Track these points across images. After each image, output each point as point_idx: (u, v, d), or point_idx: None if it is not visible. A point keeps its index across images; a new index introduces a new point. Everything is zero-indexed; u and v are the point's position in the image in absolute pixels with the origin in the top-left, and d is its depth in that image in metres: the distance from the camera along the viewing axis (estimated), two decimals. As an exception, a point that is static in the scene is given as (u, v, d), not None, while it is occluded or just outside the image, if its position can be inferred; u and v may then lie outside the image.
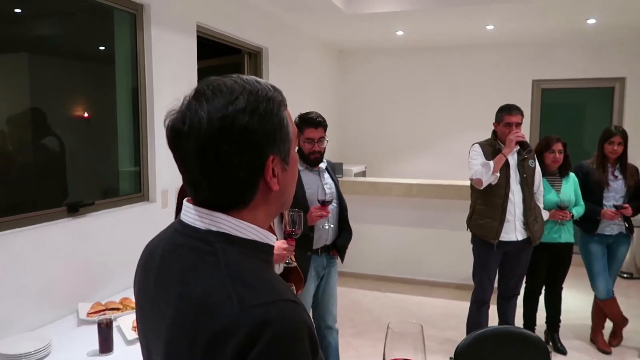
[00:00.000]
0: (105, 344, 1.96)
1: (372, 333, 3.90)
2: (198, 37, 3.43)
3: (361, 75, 6.57)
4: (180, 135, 0.76)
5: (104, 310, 2.25)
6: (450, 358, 1.93)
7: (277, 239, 1.99)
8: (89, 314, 2.26)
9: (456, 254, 4.69)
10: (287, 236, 1.97)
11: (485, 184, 3.05)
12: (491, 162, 3.04)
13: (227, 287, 0.70)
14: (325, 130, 2.70)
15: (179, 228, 0.82)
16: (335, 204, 2.79)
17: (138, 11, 2.86)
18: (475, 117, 5.94)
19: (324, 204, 2.54)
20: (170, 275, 0.78)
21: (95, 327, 2.01)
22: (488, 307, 3.34)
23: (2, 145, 2.41)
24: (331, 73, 6.32)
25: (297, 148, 0.89)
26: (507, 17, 4.65)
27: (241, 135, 0.74)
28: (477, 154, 3.15)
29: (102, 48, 3.01)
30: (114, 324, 2.04)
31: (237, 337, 0.65)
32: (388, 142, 6.50)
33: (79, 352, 1.96)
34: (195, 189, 0.79)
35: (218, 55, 4.39)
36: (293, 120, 0.86)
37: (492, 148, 3.14)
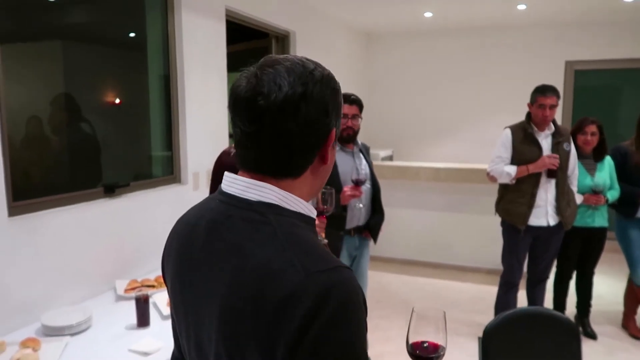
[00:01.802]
0: (143, 319, 2.04)
1: (399, 316, 3.92)
2: (226, 21, 3.46)
3: (389, 58, 6.51)
4: (251, 100, 0.78)
5: (140, 286, 2.34)
6: (479, 338, 1.94)
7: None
8: (126, 290, 2.36)
9: (485, 238, 4.65)
10: (318, 213, 2.00)
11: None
12: (513, 171, 3.04)
13: (288, 254, 0.72)
14: (360, 109, 2.76)
15: (224, 200, 0.83)
16: (368, 185, 2.82)
17: (168, -4, 2.91)
18: (506, 99, 5.83)
19: (357, 184, 2.57)
20: (222, 245, 0.80)
21: (132, 303, 2.10)
22: (517, 291, 3.31)
23: (41, 129, 2.51)
24: (358, 57, 6.28)
25: None
26: (540, -4, 4.53)
27: (319, 102, 0.80)
28: (503, 146, 3.14)
29: (134, 34, 3.07)
30: (150, 300, 2.12)
31: (305, 302, 0.67)
32: (416, 126, 6.45)
33: (118, 325, 2.05)
34: (256, 155, 0.81)
35: (246, 39, 4.42)
36: None
37: (523, 133, 3.09)
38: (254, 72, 0.81)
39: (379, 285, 4.59)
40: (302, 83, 0.79)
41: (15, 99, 2.34)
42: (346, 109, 2.70)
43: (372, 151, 5.46)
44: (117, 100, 3.02)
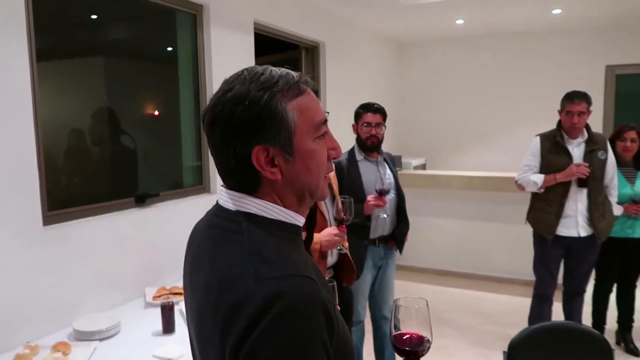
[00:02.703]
0: (168, 325, 2.09)
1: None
2: (256, 34, 3.53)
3: (420, 66, 6.47)
4: (203, 121, 0.85)
5: (167, 294, 2.40)
6: (504, 352, 1.89)
7: (330, 226, 2.03)
8: (154, 297, 2.42)
9: (521, 248, 4.49)
10: (338, 223, 2.01)
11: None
12: (540, 180, 2.98)
13: (246, 262, 0.74)
14: (383, 118, 2.77)
15: (214, 210, 0.88)
16: (393, 195, 2.81)
17: (198, 12, 3.00)
18: (541, 106, 5.65)
19: (381, 193, 2.57)
20: (204, 252, 0.84)
21: (159, 310, 2.15)
22: (551, 304, 3.20)
23: (81, 141, 2.64)
24: (390, 65, 6.26)
25: (314, 137, 0.85)
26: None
27: (226, 125, 0.79)
28: (531, 155, 3.08)
29: (166, 49, 3.18)
30: (176, 307, 2.17)
31: (250, 307, 0.69)
32: (449, 135, 6.36)
33: (145, 331, 2.11)
34: (219, 174, 0.86)
35: (276, 51, 4.49)
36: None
37: (550, 142, 3.02)
38: None
39: (411, 296, 4.53)
40: (214, 106, 0.81)
41: (60, 113, 2.49)
42: (369, 117, 2.71)
43: (404, 160, 5.45)
44: (152, 113, 3.14)
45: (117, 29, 2.98)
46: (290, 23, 3.93)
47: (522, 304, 4.17)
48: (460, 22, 5.24)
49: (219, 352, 0.73)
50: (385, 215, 2.74)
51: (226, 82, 0.82)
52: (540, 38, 5.75)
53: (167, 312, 2.09)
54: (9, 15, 1.93)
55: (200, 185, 3.11)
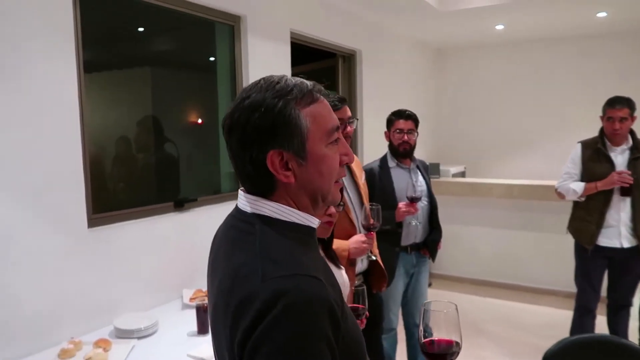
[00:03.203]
0: (202, 326, 2.16)
1: (466, 337, 3.77)
2: (293, 43, 3.61)
3: (460, 73, 6.39)
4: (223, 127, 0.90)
5: (203, 296, 2.47)
6: (539, 364, 1.84)
7: (359, 232, 2.05)
8: (191, 299, 2.50)
9: (563, 259, 4.32)
10: (366, 230, 2.02)
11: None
12: (580, 189, 2.91)
13: (256, 262, 0.78)
14: (415, 124, 2.78)
15: (234, 212, 0.93)
16: (425, 202, 2.80)
17: (236, 23, 3.10)
18: (585, 113, 5.44)
19: (412, 200, 2.57)
20: (221, 251, 0.90)
21: (195, 311, 2.22)
22: (594, 317, 3.09)
23: (128, 148, 2.78)
24: (428, 72, 6.22)
25: (325, 143, 0.88)
26: (622, 1, 4.25)
27: (242, 131, 0.83)
28: (572, 162, 3.00)
29: (205, 59, 3.30)
30: (211, 309, 2.24)
31: (256, 304, 0.72)
32: (489, 142, 6.24)
33: (181, 331, 2.19)
34: (237, 178, 0.91)
35: (313, 60, 4.56)
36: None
37: (591, 150, 2.93)
38: None
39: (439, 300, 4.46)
40: (232, 113, 0.85)
41: (106, 122, 2.63)
42: (401, 124, 2.73)
43: (442, 167, 5.39)
44: (193, 121, 3.26)
45: (162, 40, 3.12)
46: (327, 32, 3.98)
47: (564, 316, 4.02)
48: (500, 27, 5.15)
49: (229, 346, 0.77)
50: (416, 223, 2.73)
51: (244, 91, 0.86)
52: (584, 42, 5.57)
53: (202, 314, 2.16)
54: (58, 29, 2.06)
55: (236, 191, 3.18)
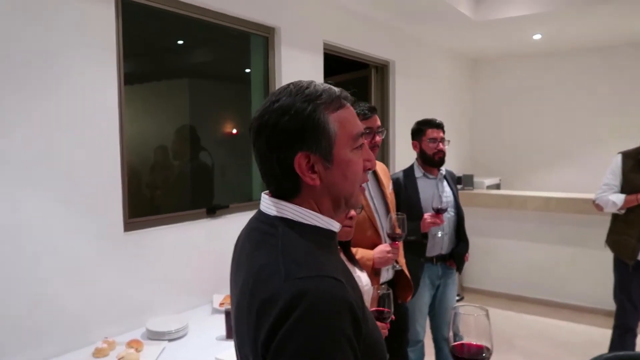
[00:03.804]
0: (231, 331, 2.18)
1: (500, 353, 3.68)
2: (326, 53, 3.65)
3: (495, 83, 6.29)
4: (249, 131, 0.92)
5: (233, 302, 2.51)
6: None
7: (384, 242, 2.04)
8: (220, 304, 2.55)
9: (604, 275, 4.16)
10: (391, 239, 2.01)
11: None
12: (619, 201, 2.83)
13: (278, 263, 0.80)
14: (444, 132, 2.78)
15: (256, 215, 0.95)
16: (452, 213, 2.77)
17: (270, 34, 3.17)
18: (622, 124, 5.30)
19: (438, 211, 2.54)
20: (244, 254, 0.91)
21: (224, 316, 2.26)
22: (634, 336, 2.96)
23: (165, 157, 2.88)
24: (462, 82, 6.15)
25: (355, 148, 0.91)
26: (667, 10, 4.11)
27: (271, 133, 0.85)
28: (612, 173, 2.91)
29: (240, 70, 3.38)
30: (239, 314, 2.27)
31: (278, 304, 0.74)
32: (525, 154, 6.09)
33: (210, 335, 2.23)
34: (262, 180, 0.93)
35: (346, 70, 4.59)
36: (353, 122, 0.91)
37: (632, 160, 2.83)
38: None
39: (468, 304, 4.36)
40: (260, 116, 0.87)
41: (145, 131, 2.74)
42: (434, 133, 2.75)
43: (476, 179, 5.30)
44: (227, 130, 3.34)
45: (200, 52, 3.23)
46: (360, 43, 4.01)
47: (604, 335, 3.85)
48: (537, 37, 5.06)
49: (252, 345, 0.79)
50: (442, 234, 2.71)
51: (273, 94, 0.89)
52: (624, 51, 5.40)
53: (230, 318, 2.19)
54: (100, 42, 2.16)
55: (267, 199, 3.23)
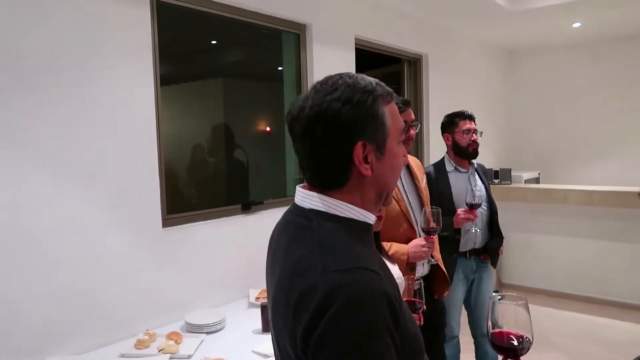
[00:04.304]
0: (267, 324, 2.22)
1: (538, 350, 3.59)
2: (357, 49, 3.64)
3: (533, 74, 6.11)
4: (292, 120, 0.90)
5: (268, 296, 2.55)
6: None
7: (419, 237, 2.02)
8: (257, 298, 2.59)
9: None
10: (426, 233, 1.99)
11: None
12: None
13: (315, 255, 0.80)
14: (476, 124, 2.76)
15: (291, 208, 0.96)
16: (485, 208, 2.72)
17: (301, 31, 3.18)
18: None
19: (471, 207, 2.50)
20: (281, 246, 0.92)
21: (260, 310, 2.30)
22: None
23: (200, 155, 2.94)
24: (498, 75, 6.01)
25: (403, 142, 0.93)
26: None
27: (333, 120, 0.85)
28: None
29: (273, 68, 3.42)
30: (275, 308, 2.30)
31: (316, 297, 0.75)
32: (566, 147, 5.90)
33: (247, 328, 2.27)
34: (303, 170, 0.93)
35: (378, 65, 4.57)
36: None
37: None
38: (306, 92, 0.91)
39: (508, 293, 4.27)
40: (319, 104, 0.86)
41: (182, 130, 2.82)
42: (468, 124, 2.71)
43: (514, 173, 5.18)
44: (261, 128, 3.39)
45: (233, 52, 3.28)
46: (392, 37, 3.98)
47: (651, 333, 3.74)
48: (577, 25, 4.89)
49: (291, 337, 0.79)
50: (475, 229, 2.66)
51: (325, 84, 0.88)
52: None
53: (266, 312, 2.22)
54: (137, 45, 2.23)
55: (301, 195, 3.26)
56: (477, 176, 2.77)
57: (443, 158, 2.81)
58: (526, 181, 5.30)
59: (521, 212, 4.87)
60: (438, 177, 2.69)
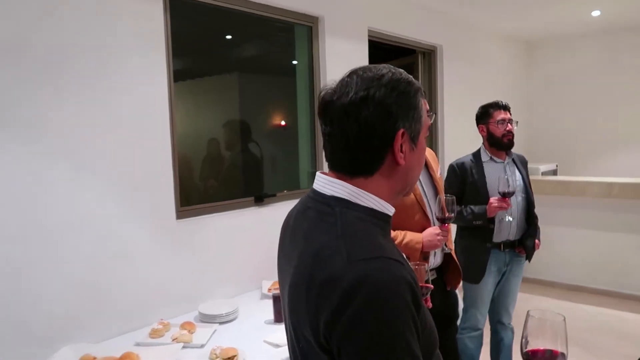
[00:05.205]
0: (279, 315, 2.24)
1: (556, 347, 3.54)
2: (371, 40, 3.62)
3: (551, 65, 6.00)
4: (328, 104, 0.89)
5: (281, 287, 2.57)
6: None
7: (433, 225, 2.01)
8: (269, 289, 2.61)
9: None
10: (440, 222, 1.98)
11: None
12: None
13: (339, 243, 0.80)
14: (511, 114, 2.75)
15: (311, 194, 0.95)
16: (521, 198, 2.69)
17: (314, 24, 3.18)
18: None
19: (504, 195, 2.49)
20: (299, 232, 0.91)
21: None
22: None
23: (218, 149, 2.97)
24: (515, 66, 5.92)
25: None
26: None
27: (380, 105, 0.85)
28: None
29: (285, 62, 3.42)
30: (287, 299, 2.32)
31: (342, 285, 0.74)
32: (584, 138, 5.79)
33: (259, 319, 2.30)
34: (332, 155, 0.91)
35: (391, 57, 4.54)
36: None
37: None
38: (343, 77, 0.91)
39: (544, 309, 4.21)
40: (366, 88, 0.85)
41: (195, 124, 2.85)
42: (502, 114, 2.69)
43: (530, 165, 5.07)
44: (275, 122, 3.40)
45: (247, 47, 3.30)
46: (406, 28, 3.95)
47: (673, 327, 3.66)
48: (596, 14, 4.78)
49: (313, 324, 0.79)
50: (510, 219, 2.63)
51: (370, 71, 0.88)
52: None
53: (278, 303, 2.24)
54: (150, 41, 2.25)
55: (314, 187, 3.27)
56: (515, 166, 2.75)
57: (479, 149, 2.80)
58: (543, 173, 5.22)
59: (539, 204, 4.73)
60: (473, 167, 2.68)
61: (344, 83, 0.88)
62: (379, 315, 0.72)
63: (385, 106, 0.85)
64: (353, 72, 0.90)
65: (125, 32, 2.15)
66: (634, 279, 4.40)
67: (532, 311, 1.00)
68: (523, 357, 0.99)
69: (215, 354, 1.86)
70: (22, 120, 1.85)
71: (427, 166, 2.15)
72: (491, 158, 2.73)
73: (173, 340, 2.03)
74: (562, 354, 0.95)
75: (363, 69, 0.90)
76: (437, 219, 1.98)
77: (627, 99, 5.47)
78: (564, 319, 0.97)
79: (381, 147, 0.87)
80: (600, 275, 4.57)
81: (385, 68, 0.90)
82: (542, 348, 0.97)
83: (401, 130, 0.86)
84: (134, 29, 2.18)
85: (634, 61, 5.40)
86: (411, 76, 0.92)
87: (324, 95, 0.91)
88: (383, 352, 0.72)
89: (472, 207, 2.60)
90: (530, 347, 0.99)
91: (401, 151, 0.87)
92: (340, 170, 0.90)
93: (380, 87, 0.86)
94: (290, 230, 0.96)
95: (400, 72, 0.90)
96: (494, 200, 2.53)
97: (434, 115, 2.28)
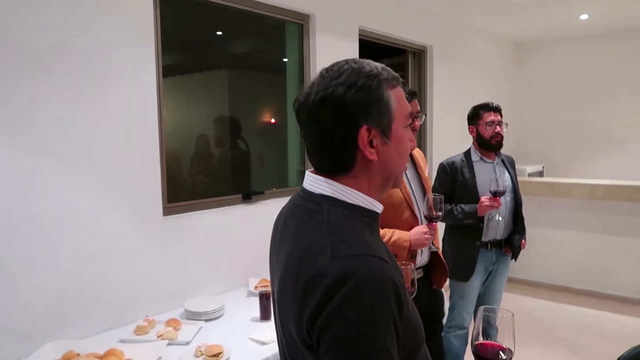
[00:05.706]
0: (265, 313, 2.24)
1: (539, 343, 3.59)
2: (361, 39, 3.62)
3: (539, 67, 6.06)
4: (299, 106, 0.91)
5: (268, 284, 2.56)
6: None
7: (421, 224, 2.03)
8: (256, 287, 2.60)
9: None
10: (428, 220, 1.99)
11: None
12: None
13: (325, 240, 0.81)
14: (501, 116, 2.76)
15: (300, 193, 0.96)
16: (509, 198, 2.74)
17: (305, 21, 3.17)
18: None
19: (495, 195, 2.52)
20: (289, 230, 0.92)
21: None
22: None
23: (207, 145, 2.96)
24: (504, 67, 5.97)
25: (404, 130, 0.93)
26: None
27: (337, 104, 0.85)
28: None
29: (276, 59, 3.41)
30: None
31: (326, 281, 0.75)
32: (570, 140, 5.87)
33: (245, 317, 2.29)
34: (310, 155, 0.92)
35: (382, 56, 4.54)
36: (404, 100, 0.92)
37: None
38: (312, 79, 0.91)
39: (519, 310, 4.25)
40: (325, 88, 0.86)
41: (184, 120, 2.82)
42: (492, 116, 2.73)
43: (517, 166, 5.13)
44: (264, 120, 3.39)
45: (238, 43, 3.28)
46: (396, 28, 3.96)
47: (653, 328, 3.73)
48: (584, 17, 4.84)
49: (297, 319, 0.80)
50: (499, 218, 2.67)
51: (331, 70, 0.89)
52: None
53: (265, 301, 2.24)
54: (140, 36, 2.23)
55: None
56: (504, 166, 2.79)
57: (469, 149, 2.82)
58: (530, 174, 5.27)
59: (524, 205, 4.84)
60: (463, 166, 2.72)
61: (312, 83, 0.90)
62: (359, 310, 0.73)
63: (342, 106, 0.85)
64: (319, 74, 0.91)
65: (114, 26, 2.12)
66: (616, 280, 4.47)
67: (483, 307, 1.04)
68: (472, 350, 1.03)
69: (200, 351, 1.86)
70: (7, 113, 1.82)
71: (415, 165, 2.16)
72: (481, 158, 2.77)
73: (158, 337, 2.02)
74: (509, 350, 0.99)
75: (329, 67, 0.90)
76: (425, 217, 2.00)
77: (613, 101, 5.55)
78: (512, 315, 1.01)
79: (345, 146, 0.87)
80: (584, 275, 4.64)
81: (347, 64, 0.89)
82: (489, 342, 1.02)
83: (363, 127, 0.85)
84: (123, 23, 2.15)
85: (620, 65, 5.47)
86: (381, 67, 0.90)
87: (297, 96, 0.92)
88: (358, 346, 0.72)
89: (462, 205, 2.63)
90: (479, 341, 1.03)
91: (372, 147, 0.87)
92: (320, 169, 0.92)
93: (337, 86, 0.85)
94: (281, 227, 0.97)
95: (363, 66, 0.88)
96: (485, 199, 2.57)
97: (424, 116, 2.30)
